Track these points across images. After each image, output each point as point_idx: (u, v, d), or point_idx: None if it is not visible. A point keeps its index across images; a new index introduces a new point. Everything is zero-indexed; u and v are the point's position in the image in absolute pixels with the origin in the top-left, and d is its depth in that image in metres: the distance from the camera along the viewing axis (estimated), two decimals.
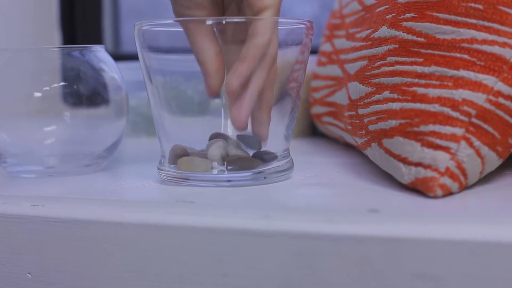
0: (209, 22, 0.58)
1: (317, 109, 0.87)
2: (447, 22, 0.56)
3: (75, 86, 0.69)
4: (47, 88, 0.68)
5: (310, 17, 0.61)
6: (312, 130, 0.98)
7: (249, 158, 0.60)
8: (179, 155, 0.60)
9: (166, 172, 0.61)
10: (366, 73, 0.62)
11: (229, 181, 0.59)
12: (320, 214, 0.48)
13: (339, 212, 0.49)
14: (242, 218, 0.49)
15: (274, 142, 0.62)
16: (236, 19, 0.58)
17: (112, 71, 0.71)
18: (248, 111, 0.57)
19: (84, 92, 0.69)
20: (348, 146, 0.82)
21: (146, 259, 0.51)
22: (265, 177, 0.60)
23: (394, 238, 0.45)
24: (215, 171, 0.60)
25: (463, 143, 0.53)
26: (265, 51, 0.56)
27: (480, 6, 0.55)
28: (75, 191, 0.61)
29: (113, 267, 0.52)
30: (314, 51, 0.89)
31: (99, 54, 0.71)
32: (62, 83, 0.69)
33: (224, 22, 0.58)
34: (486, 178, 0.57)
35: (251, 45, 0.56)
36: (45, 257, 0.55)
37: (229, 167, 0.59)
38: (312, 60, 0.89)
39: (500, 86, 0.53)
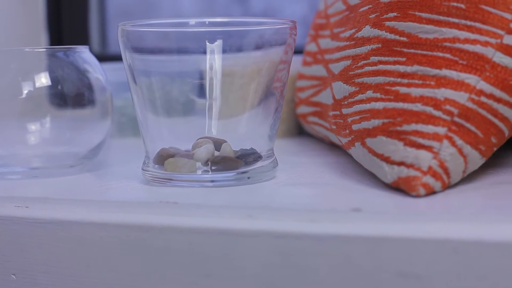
0: (192, 22, 0.58)
1: (302, 109, 0.87)
2: (429, 22, 0.56)
3: (59, 87, 0.69)
4: (32, 89, 0.68)
5: (299, 18, 0.61)
6: (298, 130, 0.98)
7: (232, 158, 0.60)
8: (165, 157, 0.60)
9: (150, 172, 0.61)
10: (350, 73, 0.62)
11: (212, 181, 0.59)
12: (303, 213, 0.49)
13: (323, 212, 0.49)
14: (225, 218, 0.49)
15: (258, 142, 0.62)
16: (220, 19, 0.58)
17: (97, 72, 0.71)
18: None
19: (69, 93, 0.69)
20: (333, 146, 0.82)
21: (130, 259, 0.51)
22: (249, 177, 0.60)
23: (377, 237, 0.45)
24: (199, 172, 0.60)
25: (445, 142, 0.53)
26: None
27: (462, 5, 0.55)
28: (59, 192, 0.60)
29: (97, 268, 0.52)
30: (299, 51, 0.89)
31: (84, 55, 0.70)
32: (47, 84, 0.68)
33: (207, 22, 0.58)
34: (469, 177, 0.58)
35: None
36: (29, 258, 0.55)
37: (213, 168, 0.59)
38: (298, 60, 0.89)
39: (482, 85, 0.54)
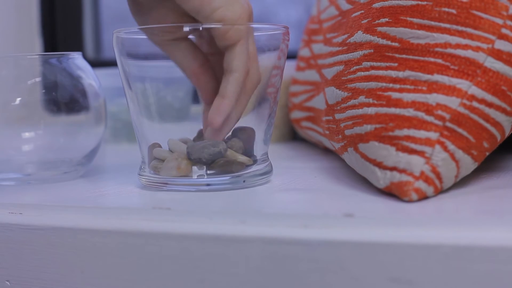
0: (186, 28, 0.58)
1: (296, 114, 0.88)
2: (421, 27, 0.56)
3: (53, 93, 0.69)
4: (25, 96, 0.68)
5: (295, 22, 0.61)
6: (292, 135, 0.99)
7: (230, 161, 0.59)
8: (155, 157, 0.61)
9: (146, 177, 0.61)
10: (342, 78, 0.63)
11: (208, 185, 0.59)
12: (295, 219, 0.48)
13: (315, 217, 0.49)
14: (217, 224, 0.49)
15: (253, 146, 0.62)
16: (213, 25, 0.58)
17: (90, 78, 0.71)
18: (224, 135, 0.59)
19: (62, 99, 0.69)
20: (327, 151, 0.82)
21: (123, 265, 0.51)
22: (244, 181, 0.60)
23: (368, 242, 0.45)
24: (195, 176, 0.60)
25: (437, 147, 0.53)
26: (244, 84, 0.57)
27: (454, 11, 0.55)
28: (53, 199, 0.60)
29: (91, 274, 0.52)
30: (293, 56, 0.90)
31: (77, 61, 0.70)
32: (40, 91, 0.68)
33: (200, 28, 0.58)
34: (462, 182, 0.58)
35: (229, 81, 0.57)
36: (23, 264, 0.55)
37: (208, 172, 0.59)
38: (292, 65, 0.89)
39: (474, 90, 0.54)
